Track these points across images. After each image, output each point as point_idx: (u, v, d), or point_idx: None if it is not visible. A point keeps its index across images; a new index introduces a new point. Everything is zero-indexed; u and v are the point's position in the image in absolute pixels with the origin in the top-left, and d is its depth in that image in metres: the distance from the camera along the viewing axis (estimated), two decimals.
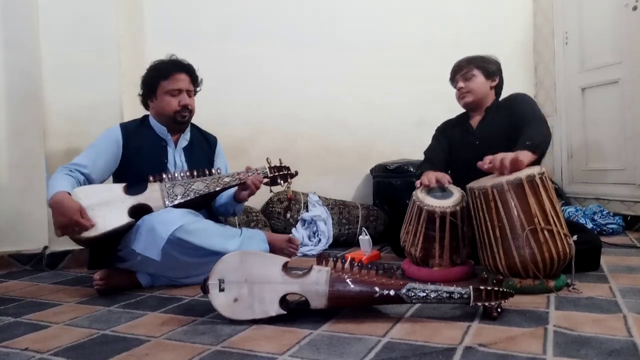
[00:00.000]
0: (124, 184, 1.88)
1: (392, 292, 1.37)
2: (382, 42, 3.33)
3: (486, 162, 1.70)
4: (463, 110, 2.26)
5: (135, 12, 2.76)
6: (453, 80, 2.21)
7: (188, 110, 2.03)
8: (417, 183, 1.96)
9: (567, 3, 3.42)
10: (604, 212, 2.79)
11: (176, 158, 2.06)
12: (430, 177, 1.95)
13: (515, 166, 1.65)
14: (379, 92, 3.32)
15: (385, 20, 3.37)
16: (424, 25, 3.43)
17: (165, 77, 1.99)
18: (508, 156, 1.65)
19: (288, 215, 2.75)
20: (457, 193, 1.88)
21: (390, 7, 3.39)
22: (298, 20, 3.15)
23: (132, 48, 2.69)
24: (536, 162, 1.80)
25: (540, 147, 1.79)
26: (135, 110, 2.57)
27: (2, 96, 2.45)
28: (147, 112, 2.12)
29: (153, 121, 2.07)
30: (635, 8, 2.80)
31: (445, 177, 1.96)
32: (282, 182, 2.12)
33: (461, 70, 2.15)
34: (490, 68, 2.14)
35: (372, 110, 3.32)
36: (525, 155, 1.71)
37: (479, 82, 2.13)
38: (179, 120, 2.02)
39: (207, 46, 2.84)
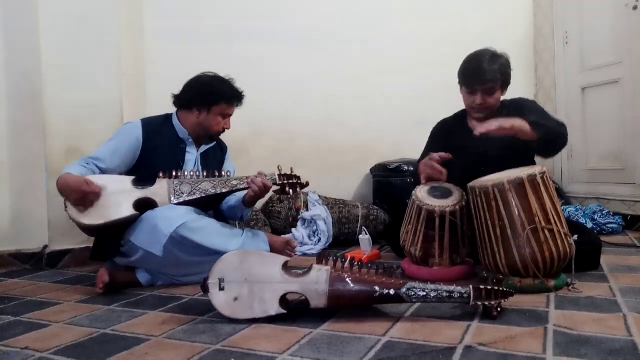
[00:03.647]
0: (133, 177, 1.89)
1: (392, 292, 1.37)
2: (382, 42, 3.33)
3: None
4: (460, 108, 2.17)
5: (135, 12, 2.76)
6: (470, 86, 1.97)
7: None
8: (423, 179, 1.93)
9: (567, 3, 3.42)
10: (604, 212, 2.79)
11: (194, 160, 2.07)
12: (433, 156, 1.90)
13: (505, 123, 1.69)
14: (379, 91, 3.32)
15: (385, 20, 3.37)
16: (424, 25, 3.42)
17: (229, 102, 2.06)
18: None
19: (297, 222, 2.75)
20: (456, 192, 1.88)
21: (390, 7, 3.38)
22: (298, 20, 3.15)
23: (132, 48, 2.69)
24: (542, 147, 1.82)
25: (543, 128, 1.75)
26: (135, 110, 2.58)
27: (3, 96, 2.45)
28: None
29: (176, 122, 2.08)
30: (635, 8, 2.80)
31: (444, 155, 1.89)
32: (290, 191, 2.07)
33: (485, 84, 1.94)
34: (509, 80, 2.01)
35: (372, 109, 3.32)
36: (521, 122, 1.72)
37: (497, 97, 2.01)
38: (214, 139, 2.13)
39: (207, 46, 2.84)
